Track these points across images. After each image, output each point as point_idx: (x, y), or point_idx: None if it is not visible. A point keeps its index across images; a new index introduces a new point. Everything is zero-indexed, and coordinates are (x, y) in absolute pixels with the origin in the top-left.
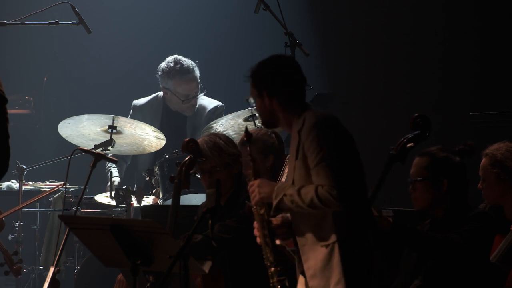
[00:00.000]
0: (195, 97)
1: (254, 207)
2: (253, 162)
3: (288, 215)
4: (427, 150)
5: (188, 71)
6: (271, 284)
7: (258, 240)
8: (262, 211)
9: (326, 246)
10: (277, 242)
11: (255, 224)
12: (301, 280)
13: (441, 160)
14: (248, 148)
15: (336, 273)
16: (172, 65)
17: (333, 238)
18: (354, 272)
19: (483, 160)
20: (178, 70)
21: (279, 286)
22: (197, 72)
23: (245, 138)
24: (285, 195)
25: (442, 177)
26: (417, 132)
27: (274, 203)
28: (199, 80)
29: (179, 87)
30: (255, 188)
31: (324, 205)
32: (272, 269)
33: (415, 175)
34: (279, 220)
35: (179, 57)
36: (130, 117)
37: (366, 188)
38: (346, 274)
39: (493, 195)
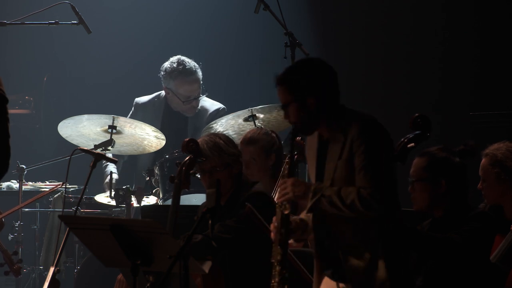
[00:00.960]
0: (196, 99)
1: (280, 204)
2: (290, 160)
3: (304, 217)
4: (427, 150)
5: (191, 72)
6: (272, 284)
7: (272, 235)
8: (286, 212)
9: (370, 249)
10: (290, 241)
11: (274, 219)
12: (327, 282)
13: (440, 160)
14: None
15: (381, 275)
16: (175, 65)
17: (376, 240)
18: (399, 275)
19: (483, 160)
20: (181, 71)
21: None
22: (199, 73)
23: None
24: (323, 195)
25: (441, 178)
26: (417, 132)
27: (310, 203)
28: (201, 82)
29: (180, 88)
30: (289, 186)
31: (365, 208)
32: (278, 268)
33: (415, 176)
34: (298, 221)
35: (182, 57)
36: (131, 115)
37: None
38: (391, 277)
39: (493, 195)
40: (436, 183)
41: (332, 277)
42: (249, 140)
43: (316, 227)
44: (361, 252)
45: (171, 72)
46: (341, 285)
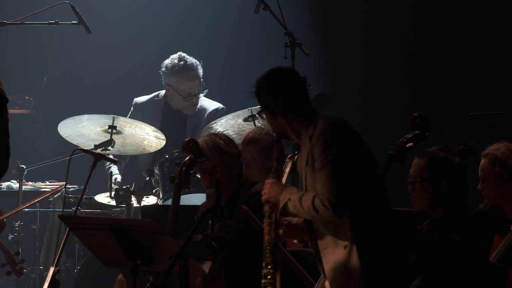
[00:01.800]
0: (197, 96)
1: (266, 205)
2: (276, 162)
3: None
4: (427, 150)
5: (192, 68)
6: (262, 284)
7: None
8: (273, 216)
9: (345, 247)
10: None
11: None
12: (324, 280)
13: (440, 160)
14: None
15: (355, 274)
16: (176, 61)
17: (350, 239)
18: (374, 274)
19: (483, 161)
20: (182, 67)
21: None
22: (200, 70)
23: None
24: (289, 199)
25: (441, 178)
26: (416, 132)
27: (280, 205)
28: (202, 79)
29: (181, 84)
30: (267, 186)
31: (320, 214)
32: (265, 270)
33: (415, 176)
34: (296, 221)
35: (183, 54)
36: (130, 115)
37: (383, 190)
38: (365, 275)
39: (493, 195)
40: (436, 183)
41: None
42: (250, 140)
43: (305, 228)
44: (336, 249)
45: (172, 68)
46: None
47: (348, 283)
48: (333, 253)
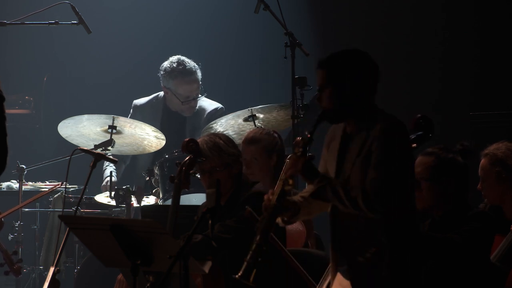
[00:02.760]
0: (195, 99)
1: (284, 178)
2: (308, 140)
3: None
4: (432, 150)
5: (190, 72)
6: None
7: (264, 203)
8: (287, 188)
9: (376, 249)
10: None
11: (270, 191)
12: (339, 279)
13: (448, 160)
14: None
15: (384, 277)
16: (175, 65)
17: (383, 243)
18: (402, 279)
19: (483, 160)
20: (181, 71)
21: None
22: (199, 74)
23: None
24: (329, 183)
25: (448, 177)
26: (419, 133)
27: (315, 187)
28: (200, 83)
29: (179, 88)
30: (300, 164)
31: (365, 205)
32: (257, 238)
33: (422, 174)
34: (292, 202)
35: (182, 57)
36: (130, 117)
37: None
38: (393, 280)
39: (493, 195)
40: (444, 182)
41: (346, 275)
42: (251, 139)
43: (331, 222)
44: (366, 251)
45: (170, 72)
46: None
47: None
48: (362, 257)
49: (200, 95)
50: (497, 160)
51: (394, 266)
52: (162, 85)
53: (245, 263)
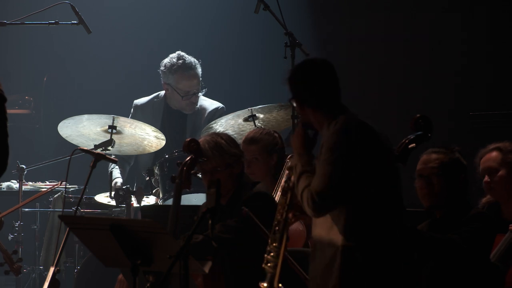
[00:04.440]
0: (195, 94)
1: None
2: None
3: None
4: (439, 149)
5: (190, 67)
6: (264, 259)
7: (279, 194)
8: (288, 195)
9: (333, 249)
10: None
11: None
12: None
13: (457, 158)
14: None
15: (334, 277)
16: (175, 60)
17: (339, 242)
18: (355, 279)
19: (494, 153)
20: (181, 66)
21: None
22: (199, 69)
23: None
24: (295, 168)
25: (459, 174)
26: (419, 133)
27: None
28: (200, 78)
29: (180, 83)
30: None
31: (307, 202)
32: (270, 247)
33: (433, 170)
34: None
35: (182, 53)
36: (131, 117)
37: (397, 192)
38: (343, 281)
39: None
40: (455, 178)
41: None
42: (251, 139)
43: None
44: (326, 251)
45: (170, 67)
46: None
47: (326, 285)
48: (322, 252)
49: (201, 92)
50: (510, 151)
51: (362, 265)
52: (162, 81)
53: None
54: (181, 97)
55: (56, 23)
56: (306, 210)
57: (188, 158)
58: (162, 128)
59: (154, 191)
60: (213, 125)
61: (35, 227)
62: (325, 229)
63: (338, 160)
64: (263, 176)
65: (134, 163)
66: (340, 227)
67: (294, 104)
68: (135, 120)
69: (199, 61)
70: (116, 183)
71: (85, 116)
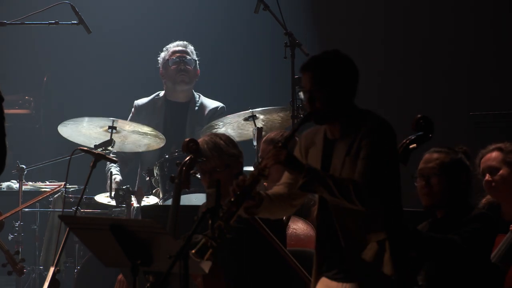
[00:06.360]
0: (186, 63)
1: (261, 167)
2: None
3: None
4: (441, 149)
5: (181, 43)
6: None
7: (232, 188)
8: (262, 177)
9: (376, 244)
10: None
11: (241, 177)
12: (325, 281)
13: (459, 158)
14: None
15: (387, 271)
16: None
17: (381, 235)
18: (404, 271)
19: (495, 153)
20: (172, 43)
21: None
22: (190, 47)
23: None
24: (317, 174)
25: (460, 174)
26: (420, 133)
27: (303, 180)
28: (196, 60)
29: (171, 57)
30: (283, 155)
31: (356, 196)
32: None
33: (434, 170)
34: (258, 194)
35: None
36: (131, 117)
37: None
38: (397, 272)
39: (503, 188)
40: (456, 178)
41: (336, 277)
42: (271, 140)
43: (320, 225)
44: (366, 246)
45: (164, 50)
46: (346, 285)
47: (380, 276)
48: (362, 254)
49: (195, 59)
50: (510, 151)
51: (395, 261)
52: (160, 70)
53: (203, 240)
54: (174, 70)
55: (56, 23)
56: (351, 203)
57: (187, 158)
58: (164, 126)
59: (154, 191)
60: (213, 125)
61: (35, 227)
62: (358, 225)
63: (384, 156)
64: (278, 177)
65: (136, 163)
66: (379, 221)
67: (302, 96)
68: (134, 123)
69: (198, 60)
70: (115, 179)
71: (85, 119)
